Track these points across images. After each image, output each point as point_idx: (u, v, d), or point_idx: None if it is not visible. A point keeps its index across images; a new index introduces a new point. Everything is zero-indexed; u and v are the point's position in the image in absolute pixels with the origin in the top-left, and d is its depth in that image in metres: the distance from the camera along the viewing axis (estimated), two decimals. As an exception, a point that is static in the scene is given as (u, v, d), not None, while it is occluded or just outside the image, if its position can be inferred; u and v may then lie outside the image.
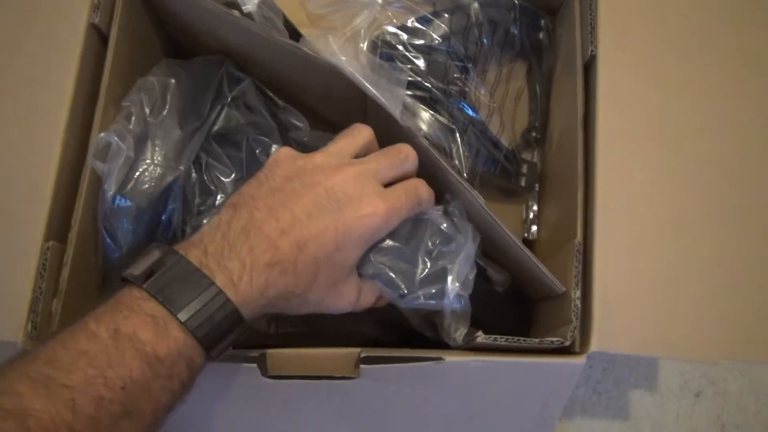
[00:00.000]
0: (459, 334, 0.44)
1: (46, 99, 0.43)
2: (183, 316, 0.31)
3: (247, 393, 0.43)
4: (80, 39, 0.44)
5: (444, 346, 0.44)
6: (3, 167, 0.43)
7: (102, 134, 0.44)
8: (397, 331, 0.49)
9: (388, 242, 0.42)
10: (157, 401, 0.31)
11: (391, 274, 0.42)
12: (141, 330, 0.30)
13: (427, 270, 0.42)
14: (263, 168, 0.38)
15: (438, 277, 0.42)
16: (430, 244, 0.43)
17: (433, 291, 0.42)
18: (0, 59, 0.44)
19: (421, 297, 0.42)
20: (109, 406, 0.29)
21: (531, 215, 0.56)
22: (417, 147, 0.44)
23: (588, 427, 0.65)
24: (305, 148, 0.44)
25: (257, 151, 0.48)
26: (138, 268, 0.33)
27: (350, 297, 0.39)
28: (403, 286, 0.42)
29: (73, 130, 0.44)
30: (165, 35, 0.54)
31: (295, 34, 0.49)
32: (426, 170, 0.45)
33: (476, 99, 0.53)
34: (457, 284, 0.42)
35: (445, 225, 0.43)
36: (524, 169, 0.54)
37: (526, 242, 0.56)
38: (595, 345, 0.41)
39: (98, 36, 0.46)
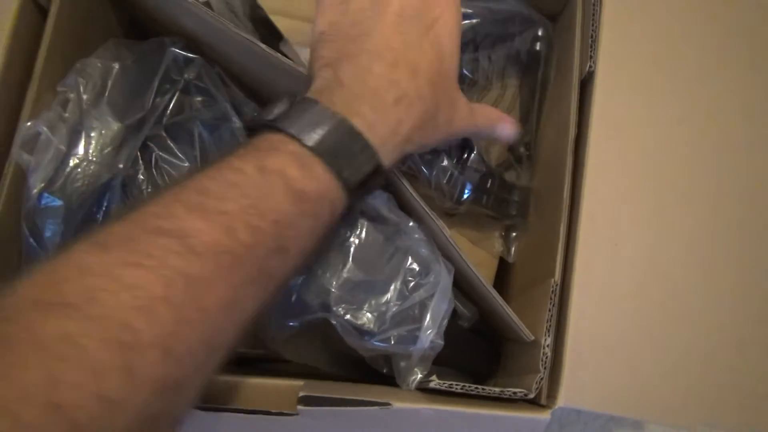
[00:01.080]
0: (413, 379, 0.40)
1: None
2: (327, 157, 0.30)
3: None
4: (13, 9, 0.39)
5: (398, 382, 0.40)
6: None
7: (30, 123, 0.39)
8: (349, 362, 0.44)
9: (357, 273, 0.38)
10: (302, 243, 0.30)
11: (360, 310, 0.37)
12: (288, 167, 0.29)
13: (401, 305, 0.38)
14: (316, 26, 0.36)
15: (412, 315, 0.38)
16: (407, 273, 0.38)
17: (406, 332, 0.38)
18: None
19: (392, 338, 0.38)
20: (263, 237, 0.28)
21: (513, 235, 0.52)
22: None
23: (565, 447, 0.61)
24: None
25: (209, 135, 0.43)
26: (270, 114, 0.32)
27: (465, 108, 0.38)
28: (372, 326, 0.37)
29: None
30: (121, 15, 0.49)
31: (262, 24, 0.44)
32: (391, 192, 0.40)
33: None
34: (433, 326, 0.38)
35: (424, 251, 0.38)
36: (515, 195, 0.49)
37: (503, 263, 0.51)
38: (562, 400, 0.37)
39: (36, 8, 0.41)
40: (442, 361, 0.41)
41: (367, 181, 0.32)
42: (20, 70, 0.40)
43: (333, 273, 0.37)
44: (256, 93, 0.46)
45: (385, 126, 0.32)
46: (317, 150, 0.30)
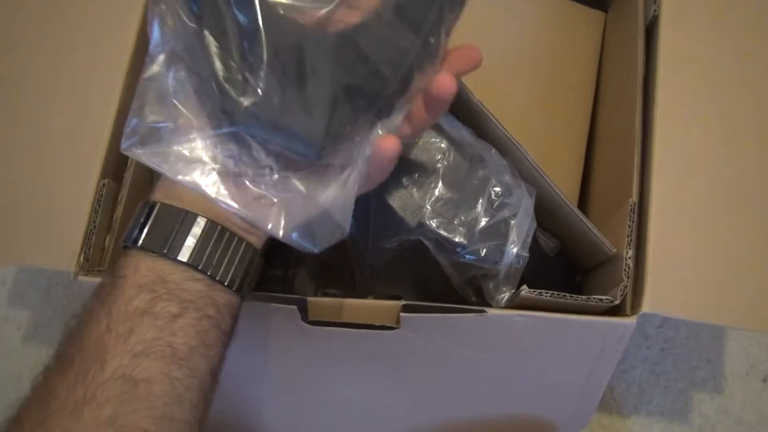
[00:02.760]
0: (502, 296, 0.43)
1: (111, 48, 0.45)
2: (174, 253, 0.31)
3: (287, 338, 0.43)
4: (137, 23, 0.46)
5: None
6: (69, 107, 0.44)
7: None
8: (437, 295, 0.48)
9: (447, 192, 0.42)
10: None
11: (451, 224, 0.41)
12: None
13: (488, 221, 0.41)
14: None
15: (499, 230, 0.41)
16: (492, 194, 0.42)
17: (494, 246, 0.41)
18: (71, 19, 0.47)
19: (482, 251, 0.41)
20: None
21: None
22: (468, 104, 0.44)
23: (645, 409, 0.62)
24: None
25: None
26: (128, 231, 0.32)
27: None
28: (463, 238, 0.41)
29: (133, 75, 0.45)
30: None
31: None
32: (474, 124, 0.44)
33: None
34: (518, 240, 0.41)
35: (506, 176, 0.42)
36: None
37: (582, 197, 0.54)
38: (646, 306, 0.39)
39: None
40: (529, 286, 0.44)
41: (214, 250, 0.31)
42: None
43: (426, 192, 0.41)
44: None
45: None
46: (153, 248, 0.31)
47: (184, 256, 0.30)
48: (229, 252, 0.32)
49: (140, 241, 0.31)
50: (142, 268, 0.30)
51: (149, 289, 0.30)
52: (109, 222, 0.43)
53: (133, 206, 0.45)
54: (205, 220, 0.31)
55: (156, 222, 0.31)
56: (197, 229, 0.31)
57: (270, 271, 0.58)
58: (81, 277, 0.41)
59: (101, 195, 0.42)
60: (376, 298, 0.52)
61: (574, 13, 0.55)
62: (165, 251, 0.30)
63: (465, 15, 0.56)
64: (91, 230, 0.42)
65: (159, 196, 0.32)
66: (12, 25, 0.46)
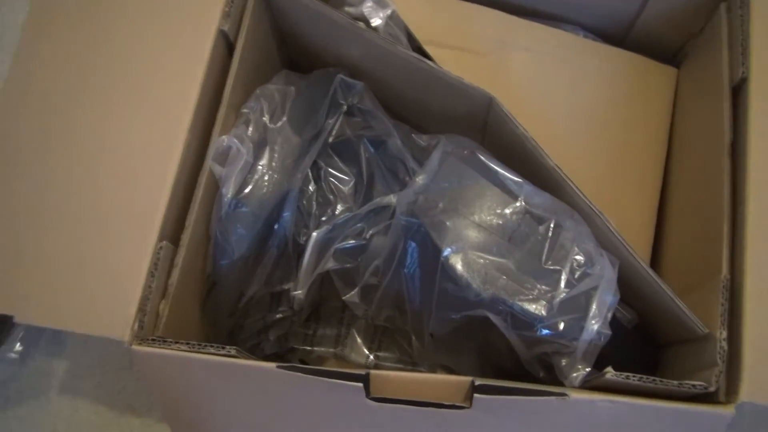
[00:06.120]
0: (577, 375, 0.40)
1: (172, 101, 0.43)
2: None
3: (349, 413, 0.40)
4: (209, 44, 0.44)
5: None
6: (127, 164, 0.43)
7: (224, 137, 0.43)
8: (502, 369, 0.45)
9: (523, 260, 0.39)
10: None
11: (528, 295, 0.38)
12: None
13: (569, 292, 0.38)
14: None
15: (579, 303, 0.38)
16: (574, 263, 0.39)
17: (573, 320, 0.38)
18: (132, 60, 0.45)
19: (560, 325, 0.38)
20: None
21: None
22: (544, 167, 0.42)
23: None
24: (423, 152, 0.43)
25: (374, 151, 0.46)
26: None
27: None
28: (541, 311, 0.38)
29: (194, 133, 0.43)
30: (285, 52, 0.55)
31: (419, 52, 0.47)
32: (549, 189, 0.42)
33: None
34: (599, 315, 0.38)
35: (591, 245, 0.39)
36: None
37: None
38: (744, 394, 0.36)
39: (226, 46, 0.46)
40: (603, 360, 0.41)
41: None
42: (211, 95, 0.45)
43: (499, 260, 0.39)
44: (403, 118, 0.50)
45: None
46: None
47: None
48: None
49: None
50: None
51: None
52: (165, 287, 0.41)
53: (189, 270, 0.43)
54: None
55: None
56: None
57: (321, 330, 0.56)
58: (135, 347, 0.39)
59: (158, 258, 0.40)
60: (434, 366, 0.49)
61: (645, 69, 0.53)
62: None
63: (536, 72, 0.54)
64: (146, 296, 0.40)
65: None
66: (77, 84, 0.45)
